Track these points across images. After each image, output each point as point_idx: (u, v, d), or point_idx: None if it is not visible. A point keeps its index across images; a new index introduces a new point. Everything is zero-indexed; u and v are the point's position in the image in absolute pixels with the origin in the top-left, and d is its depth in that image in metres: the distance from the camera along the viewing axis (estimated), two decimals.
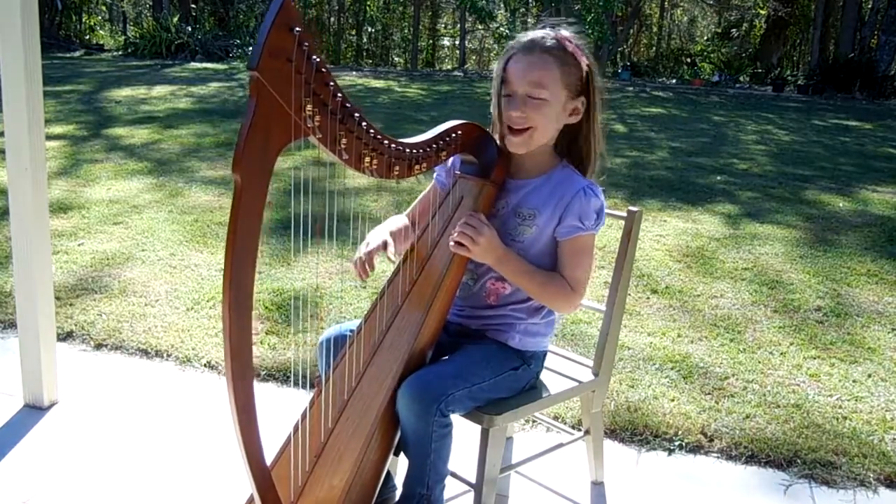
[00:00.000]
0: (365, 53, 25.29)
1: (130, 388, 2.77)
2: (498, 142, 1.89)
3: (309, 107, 1.39)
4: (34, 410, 2.57)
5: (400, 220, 2.02)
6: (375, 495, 1.72)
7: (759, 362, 3.11)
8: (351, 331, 1.89)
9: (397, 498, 1.86)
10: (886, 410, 2.76)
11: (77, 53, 17.80)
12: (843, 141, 9.63)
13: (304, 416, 1.73)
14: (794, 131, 10.35)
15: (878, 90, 16.16)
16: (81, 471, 2.27)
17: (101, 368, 2.92)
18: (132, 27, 24.14)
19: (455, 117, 1.88)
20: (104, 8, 26.26)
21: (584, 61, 1.81)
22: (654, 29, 26.68)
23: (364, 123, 1.53)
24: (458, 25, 24.22)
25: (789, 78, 18.80)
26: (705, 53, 23.55)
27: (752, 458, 2.45)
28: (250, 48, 12.94)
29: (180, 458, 2.35)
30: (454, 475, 1.91)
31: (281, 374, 2.86)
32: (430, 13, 26.15)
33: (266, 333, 3.18)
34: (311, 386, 2.11)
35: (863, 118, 12.26)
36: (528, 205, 1.87)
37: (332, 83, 1.42)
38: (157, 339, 3.11)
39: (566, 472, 2.33)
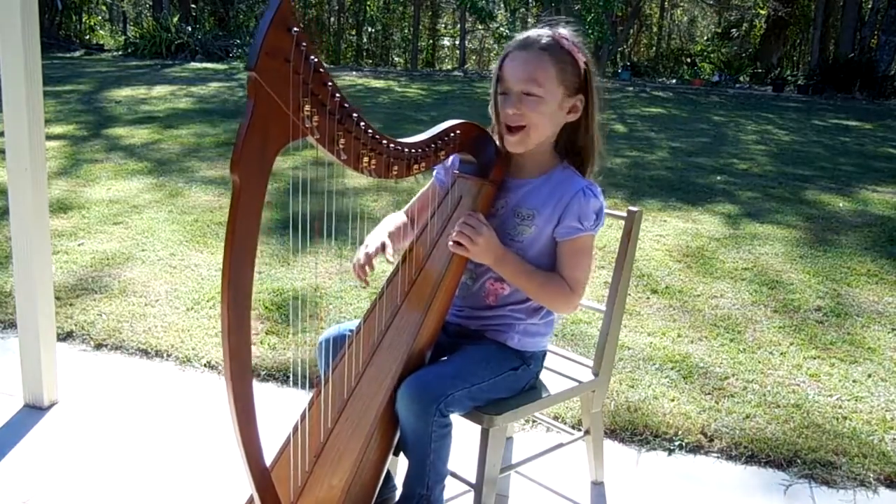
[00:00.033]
0: (365, 53, 25.28)
1: (130, 388, 2.77)
2: (497, 142, 1.89)
3: (307, 107, 1.39)
4: (34, 410, 2.57)
5: (398, 218, 2.02)
6: (375, 495, 1.72)
7: (759, 362, 3.11)
8: (350, 331, 1.89)
9: (397, 498, 1.86)
10: (886, 410, 2.76)
11: (77, 53, 17.79)
12: (843, 141, 9.63)
13: (303, 417, 1.73)
14: (794, 131, 10.34)
15: (878, 90, 16.15)
16: (81, 471, 2.27)
17: (101, 368, 2.92)
18: (132, 27, 24.16)
19: (455, 117, 1.88)
20: (104, 8, 26.26)
21: (580, 58, 1.80)
22: (654, 29, 26.66)
23: (362, 123, 1.52)
24: (458, 25, 24.21)
25: (789, 78, 18.79)
26: (705, 53, 23.53)
27: (752, 458, 2.45)
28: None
29: (180, 458, 2.35)
30: (454, 475, 1.91)
31: (281, 374, 2.86)
32: (430, 13, 26.13)
33: (266, 333, 3.18)
34: (311, 386, 2.11)
35: (863, 118, 12.25)
36: (527, 205, 1.87)
37: (330, 83, 1.42)
38: (157, 339, 3.11)
39: (566, 472, 2.33)
